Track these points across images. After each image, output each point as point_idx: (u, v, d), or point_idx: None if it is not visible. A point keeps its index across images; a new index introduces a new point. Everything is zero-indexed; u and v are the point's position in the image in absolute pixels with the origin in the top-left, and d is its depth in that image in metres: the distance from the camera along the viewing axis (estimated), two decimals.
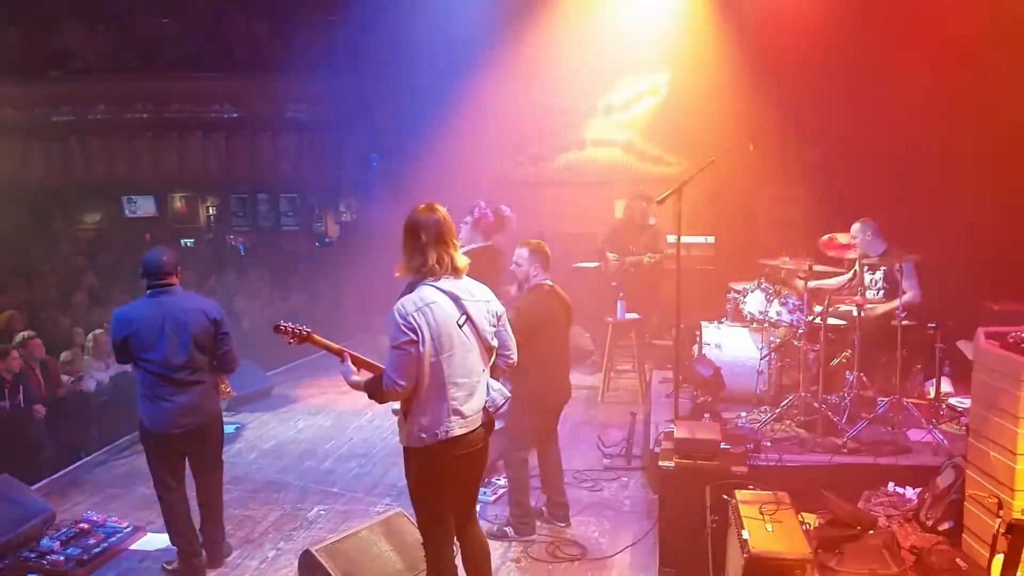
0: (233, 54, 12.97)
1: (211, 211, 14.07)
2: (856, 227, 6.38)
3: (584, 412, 7.67)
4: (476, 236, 6.38)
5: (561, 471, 5.45)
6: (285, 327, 3.86)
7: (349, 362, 3.76)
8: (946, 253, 7.10)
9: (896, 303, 5.85)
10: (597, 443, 6.65)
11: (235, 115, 12.60)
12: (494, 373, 3.86)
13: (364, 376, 3.74)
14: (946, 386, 6.40)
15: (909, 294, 6.03)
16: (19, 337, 7.17)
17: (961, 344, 6.52)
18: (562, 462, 5.47)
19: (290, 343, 3.88)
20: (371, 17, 11.81)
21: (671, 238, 7.75)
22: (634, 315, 8.10)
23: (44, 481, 6.11)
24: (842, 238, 6.67)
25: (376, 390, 3.64)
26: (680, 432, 4.88)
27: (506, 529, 5.17)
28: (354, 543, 4.41)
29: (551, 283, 5.20)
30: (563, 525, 5.35)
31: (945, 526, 4.78)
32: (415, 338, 3.51)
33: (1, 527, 4.93)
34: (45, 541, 5.01)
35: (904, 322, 5.75)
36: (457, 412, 3.62)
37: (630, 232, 8.86)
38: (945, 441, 5.48)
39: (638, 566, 4.85)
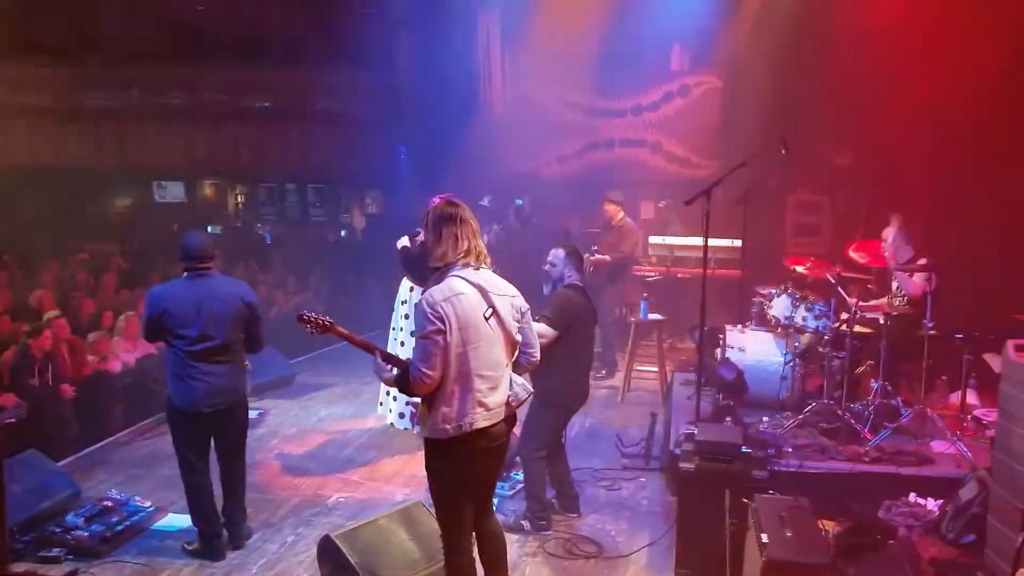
0: (268, 45, 13.09)
1: (240, 199, 14.19)
2: (886, 232, 6.36)
3: (603, 412, 7.67)
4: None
5: (568, 466, 5.51)
6: (308, 317, 3.86)
7: (380, 359, 3.77)
8: (977, 263, 7.03)
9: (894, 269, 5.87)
10: (616, 443, 6.64)
11: (267, 105, 12.73)
12: (516, 370, 3.88)
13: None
14: (971, 398, 6.34)
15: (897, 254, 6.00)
16: (47, 316, 7.29)
17: (988, 357, 6.43)
18: (580, 460, 5.48)
19: (312, 333, 3.89)
20: (404, 11, 11.89)
21: (697, 240, 7.73)
22: (657, 316, 8.08)
23: (70, 458, 6.22)
24: (871, 246, 6.63)
25: (404, 382, 3.66)
26: (701, 434, 4.87)
27: (523, 523, 5.19)
28: (372, 531, 4.44)
29: (581, 284, 5.25)
30: (575, 516, 5.40)
31: (967, 539, 4.74)
32: (442, 327, 3.53)
33: (29, 500, 5.02)
34: (70, 517, 5.08)
35: (931, 332, 5.71)
36: (482, 404, 3.63)
37: (603, 234, 8.89)
38: (969, 453, 5.43)
39: (654, 566, 4.84)
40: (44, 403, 6.52)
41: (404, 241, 6.77)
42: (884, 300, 6.46)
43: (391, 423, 7.03)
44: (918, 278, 6.06)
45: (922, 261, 6.05)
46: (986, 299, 6.89)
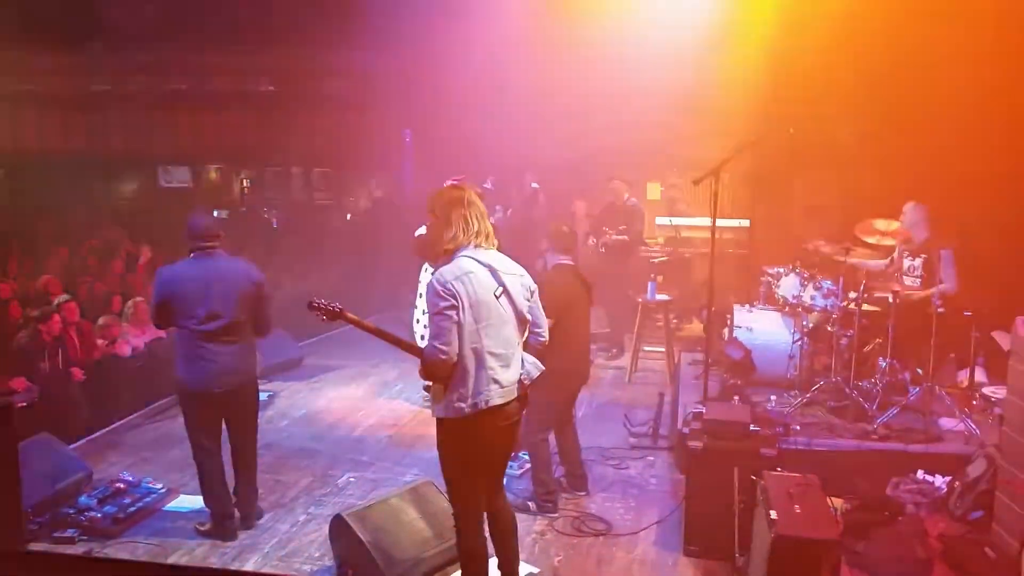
0: (272, 28, 13.02)
1: (245, 184, 14.19)
2: (908, 206, 6.28)
3: (611, 392, 7.69)
4: None
5: (579, 446, 5.53)
6: (318, 304, 3.87)
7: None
8: (986, 242, 6.97)
9: (932, 291, 5.80)
10: (624, 422, 6.66)
11: (272, 88, 12.70)
12: (526, 350, 3.90)
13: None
14: (980, 375, 6.33)
15: (946, 284, 5.95)
16: (57, 300, 7.32)
17: (997, 334, 6.43)
18: (588, 439, 5.50)
19: (323, 319, 3.90)
20: None
21: (704, 220, 7.73)
22: (664, 296, 8.08)
23: (81, 441, 6.26)
24: (879, 224, 6.58)
25: (421, 363, 3.67)
26: (709, 413, 4.89)
27: (529, 504, 5.21)
28: (383, 510, 4.48)
29: (571, 262, 5.24)
30: (583, 494, 5.44)
31: (974, 515, 4.75)
32: (455, 303, 3.55)
33: (42, 483, 5.07)
34: (83, 498, 5.13)
35: (940, 310, 5.69)
36: (496, 381, 3.65)
37: (610, 214, 8.86)
38: (977, 431, 5.43)
39: (663, 544, 4.87)
40: (55, 387, 6.55)
41: (422, 230, 6.77)
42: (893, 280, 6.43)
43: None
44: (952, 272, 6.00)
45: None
46: (995, 277, 6.84)
